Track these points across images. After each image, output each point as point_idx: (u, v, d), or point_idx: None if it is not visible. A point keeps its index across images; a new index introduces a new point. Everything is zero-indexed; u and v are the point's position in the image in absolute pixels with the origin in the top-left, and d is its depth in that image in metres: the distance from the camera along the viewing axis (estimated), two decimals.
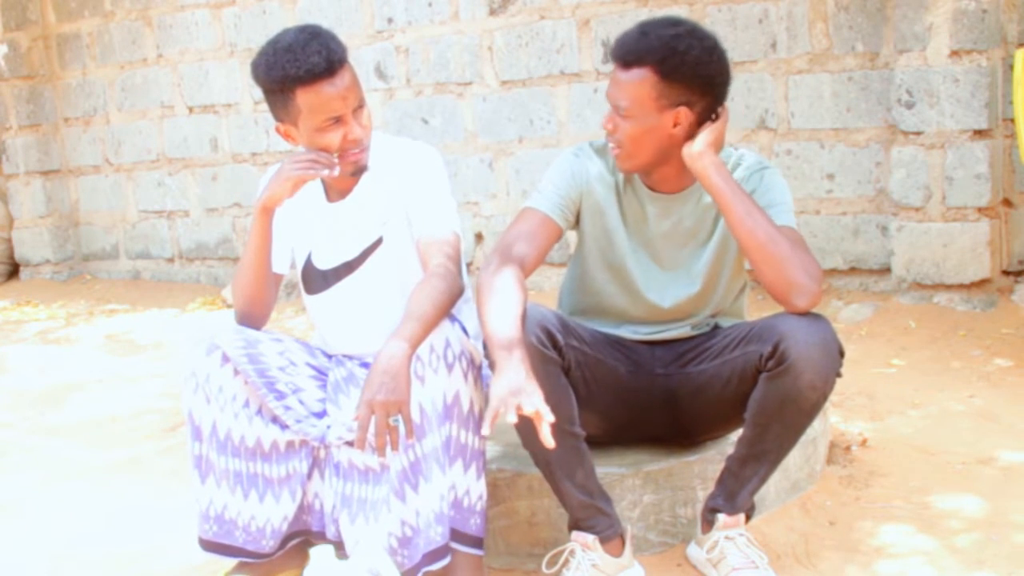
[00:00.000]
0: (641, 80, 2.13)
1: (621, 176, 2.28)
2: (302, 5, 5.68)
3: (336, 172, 2.21)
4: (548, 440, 1.91)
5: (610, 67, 2.21)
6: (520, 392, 1.90)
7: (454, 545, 2.14)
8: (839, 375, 2.08)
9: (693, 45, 2.13)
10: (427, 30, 5.31)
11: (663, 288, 2.29)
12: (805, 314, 2.07)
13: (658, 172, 2.23)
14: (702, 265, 2.28)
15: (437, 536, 2.10)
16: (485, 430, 1.92)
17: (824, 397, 2.09)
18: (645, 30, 2.16)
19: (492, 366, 2.01)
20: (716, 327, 2.35)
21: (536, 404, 1.90)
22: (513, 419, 1.91)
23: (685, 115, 2.14)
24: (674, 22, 2.18)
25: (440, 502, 2.09)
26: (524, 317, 2.05)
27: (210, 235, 6.35)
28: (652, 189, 2.26)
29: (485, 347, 2.10)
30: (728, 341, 2.22)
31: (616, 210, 2.28)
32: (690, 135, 2.16)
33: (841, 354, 2.07)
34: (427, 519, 2.09)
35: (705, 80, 2.15)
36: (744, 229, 2.08)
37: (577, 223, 2.31)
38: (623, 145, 2.17)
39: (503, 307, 2.03)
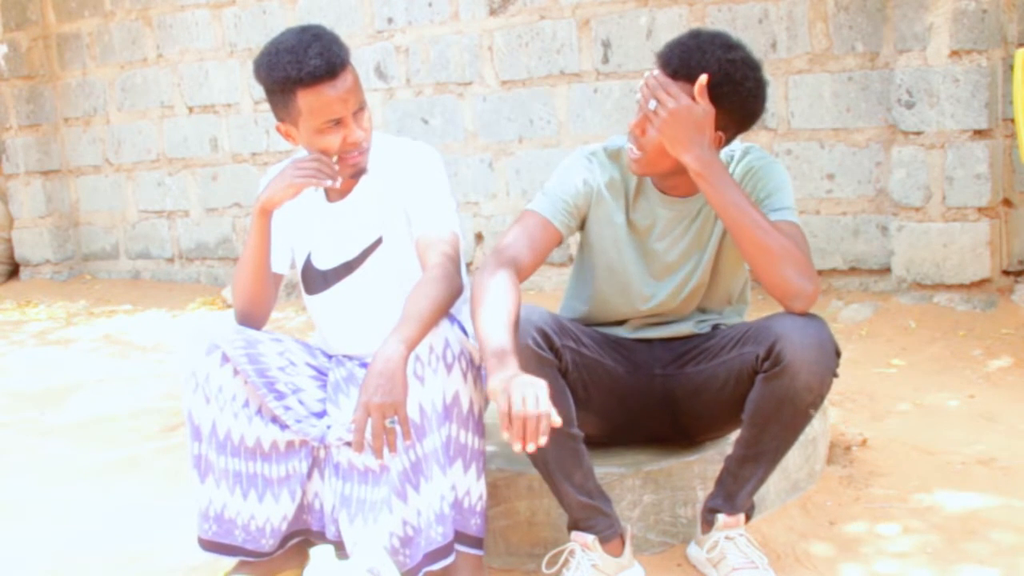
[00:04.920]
0: None
1: (633, 180, 2.25)
2: (302, 5, 5.69)
3: (338, 184, 2.21)
4: (543, 439, 1.83)
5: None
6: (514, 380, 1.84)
7: (455, 545, 2.14)
8: (835, 375, 2.07)
9: (748, 76, 2.08)
10: (427, 30, 5.31)
11: (667, 286, 2.28)
12: (801, 314, 2.06)
13: (673, 178, 2.20)
14: (705, 260, 2.27)
15: (438, 536, 2.10)
16: (505, 436, 1.84)
17: (821, 398, 2.08)
18: (702, 46, 2.06)
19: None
20: (716, 327, 2.35)
21: (539, 395, 1.83)
22: (518, 448, 1.83)
23: (718, 140, 2.11)
24: (731, 44, 2.09)
25: (441, 502, 2.09)
26: (518, 321, 2.03)
27: (210, 235, 6.35)
28: (665, 193, 2.24)
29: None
30: (726, 342, 2.22)
31: (623, 217, 2.26)
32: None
33: (837, 354, 2.07)
34: (428, 519, 2.09)
35: (749, 113, 2.12)
36: (739, 231, 2.05)
37: (581, 227, 2.29)
38: (647, 153, 2.12)
39: (495, 313, 2.00)
